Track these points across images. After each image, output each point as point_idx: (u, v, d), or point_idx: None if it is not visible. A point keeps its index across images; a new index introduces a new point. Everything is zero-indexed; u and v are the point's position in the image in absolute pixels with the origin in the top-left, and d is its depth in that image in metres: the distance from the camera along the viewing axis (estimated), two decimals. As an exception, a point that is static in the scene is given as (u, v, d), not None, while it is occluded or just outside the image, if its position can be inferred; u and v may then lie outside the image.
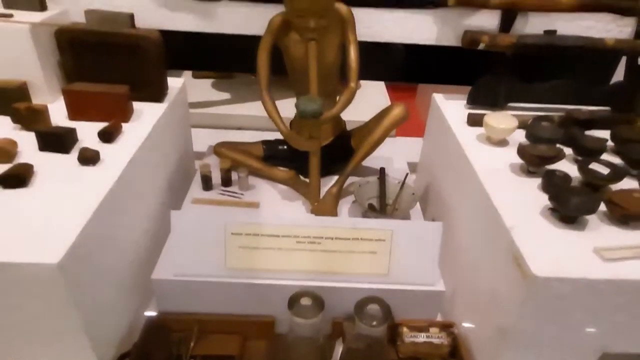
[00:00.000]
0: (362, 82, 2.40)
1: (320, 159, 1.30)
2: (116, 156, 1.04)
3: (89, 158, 0.99)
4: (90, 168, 1.00)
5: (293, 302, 0.91)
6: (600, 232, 0.91)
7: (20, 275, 0.76)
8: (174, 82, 1.43)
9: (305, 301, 0.90)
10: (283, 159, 1.45)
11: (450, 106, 1.44)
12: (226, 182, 1.39)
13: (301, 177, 1.40)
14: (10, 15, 1.16)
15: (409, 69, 2.08)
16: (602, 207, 0.94)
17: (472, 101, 1.42)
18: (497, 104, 1.41)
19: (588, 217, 0.94)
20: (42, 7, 1.23)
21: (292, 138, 1.24)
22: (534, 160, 1.06)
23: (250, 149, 1.45)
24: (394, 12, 1.41)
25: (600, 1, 1.33)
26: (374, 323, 0.90)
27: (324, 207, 1.27)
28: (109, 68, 1.24)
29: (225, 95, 2.41)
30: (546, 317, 0.86)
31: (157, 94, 1.31)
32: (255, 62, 1.27)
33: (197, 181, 1.40)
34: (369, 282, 1.08)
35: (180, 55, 1.52)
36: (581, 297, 0.83)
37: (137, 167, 1.08)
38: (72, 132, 1.06)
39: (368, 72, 1.78)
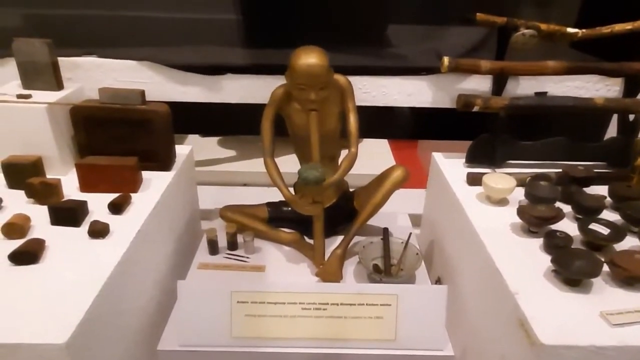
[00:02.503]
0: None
1: (323, 220, 1.32)
2: (125, 228, 1.07)
3: (98, 231, 1.02)
4: (99, 241, 1.02)
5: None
6: (605, 294, 0.91)
7: (29, 356, 0.77)
8: (182, 149, 1.49)
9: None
10: (288, 220, 1.47)
11: (449, 165, 1.48)
12: (232, 245, 1.40)
13: (306, 239, 1.42)
14: (29, 96, 1.23)
15: (410, 128, 2.15)
16: (606, 267, 0.95)
17: (471, 160, 1.46)
18: (494, 163, 1.45)
19: (592, 279, 0.94)
20: (59, 87, 1.32)
21: (295, 203, 1.27)
22: (533, 221, 1.08)
23: (255, 212, 1.48)
24: (390, 78, 1.49)
25: (586, 65, 1.40)
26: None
27: (329, 270, 1.27)
28: (121, 141, 1.30)
29: (231, 153, 2.49)
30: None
31: (165, 163, 1.36)
32: (257, 126, 1.33)
33: (203, 245, 1.42)
34: (377, 348, 1.07)
35: (188, 121, 1.59)
36: (591, 365, 0.82)
37: (146, 237, 1.10)
38: (83, 205, 1.10)
39: (371, 131, 1.86)
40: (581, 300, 0.90)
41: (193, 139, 2.59)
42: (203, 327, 1.06)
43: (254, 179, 2.25)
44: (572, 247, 1.00)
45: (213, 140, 2.60)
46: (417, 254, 1.31)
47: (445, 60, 1.37)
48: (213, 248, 1.39)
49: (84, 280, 0.90)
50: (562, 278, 0.94)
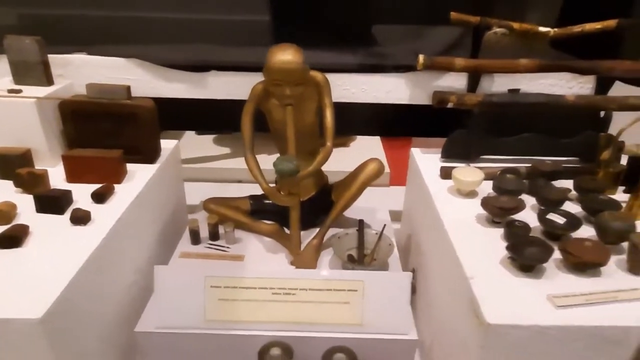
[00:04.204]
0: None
1: (300, 213, 1.37)
2: (106, 216, 1.13)
3: (79, 218, 1.08)
4: (81, 228, 1.08)
5: (263, 353, 0.95)
6: (555, 279, 0.96)
7: (4, 330, 0.82)
8: (168, 144, 1.55)
9: (275, 351, 0.94)
10: (269, 212, 1.52)
11: (426, 160, 1.52)
12: (214, 236, 1.46)
13: (285, 230, 1.47)
14: (20, 91, 1.30)
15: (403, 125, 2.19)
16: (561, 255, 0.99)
17: (446, 155, 1.51)
18: (469, 157, 1.49)
19: (546, 265, 0.99)
20: (49, 82, 1.38)
21: (272, 194, 1.32)
22: (495, 211, 1.12)
23: (238, 204, 1.54)
24: (370, 76, 1.54)
25: (557, 63, 1.44)
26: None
27: (304, 259, 1.33)
28: (107, 134, 1.36)
29: (226, 150, 2.54)
30: (506, 364, 0.88)
31: (149, 156, 1.42)
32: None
33: (187, 235, 1.48)
34: (344, 332, 1.12)
35: (177, 117, 1.65)
36: (535, 344, 0.86)
37: (126, 226, 1.16)
38: (67, 194, 1.16)
39: (363, 128, 1.90)
40: (532, 285, 0.94)
41: (189, 136, 2.66)
42: (178, 310, 1.11)
43: (249, 176, 2.30)
44: (531, 235, 1.04)
45: (209, 138, 2.66)
46: (389, 244, 1.35)
47: (421, 58, 1.41)
48: (195, 238, 1.44)
49: (63, 263, 0.96)
50: (517, 264, 0.98)
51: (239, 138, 2.64)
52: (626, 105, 1.39)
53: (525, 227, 1.07)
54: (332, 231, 1.43)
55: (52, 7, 1.59)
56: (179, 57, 1.51)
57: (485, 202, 1.13)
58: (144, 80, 1.52)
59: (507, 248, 0.98)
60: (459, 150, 1.50)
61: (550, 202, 1.17)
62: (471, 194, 1.29)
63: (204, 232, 1.46)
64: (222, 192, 1.96)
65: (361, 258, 1.35)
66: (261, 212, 1.53)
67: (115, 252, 1.11)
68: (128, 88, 1.35)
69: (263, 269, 1.31)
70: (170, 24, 1.56)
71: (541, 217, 1.08)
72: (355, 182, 1.37)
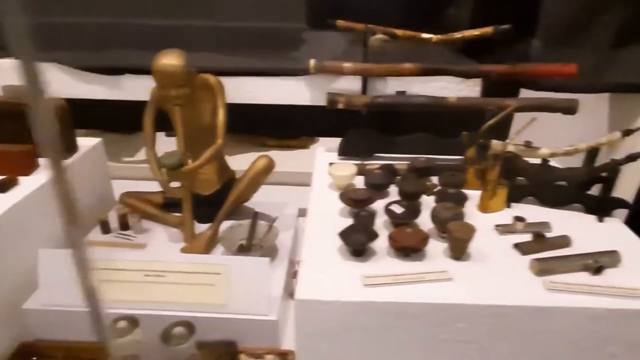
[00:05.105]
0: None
1: (206, 205, 1.49)
2: (3, 203, 1.26)
3: (-27, 204, 1.21)
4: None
5: (113, 325, 1.06)
6: (380, 263, 1.05)
7: None
8: (88, 141, 1.67)
9: (122, 324, 1.05)
10: (179, 206, 1.63)
11: (327, 158, 1.63)
12: (123, 226, 1.58)
13: (195, 223, 1.58)
14: (-61, 92, 1.44)
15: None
16: (392, 241, 1.09)
17: (343, 153, 1.61)
18: (364, 155, 1.59)
19: (377, 250, 1.08)
20: (-31, 84, 1.52)
21: (164, 186, 1.43)
22: (350, 203, 1.22)
23: (151, 198, 1.65)
24: (270, 79, 1.65)
25: (440, 67, 1.53)
26: (179, 343, 1.04)
27: (194, 248, 1.44)
28: (21, 132, 1.49)
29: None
30: (320, 337, 0.98)
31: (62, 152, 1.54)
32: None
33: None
34: (210, 312, 1.22)
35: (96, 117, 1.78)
36: (342, 318, 0.95)
37: (23, 213, 1.28)
38: (-31, 183, 1.29)
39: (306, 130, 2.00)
40: (357, 267, 1.04)
41: (159, 137, 2.78)
42: (62, 290, 1.22)
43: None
44: (360, 224, 1.13)
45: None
46: (277, 234, 1.46)
47: (312, 62, 1.52)
48: (104, 228, 1.56)
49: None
50: (350, 249, 1.08)
51: None
52: (503, 106, 1.48)
53: (369, 215, 1.16)
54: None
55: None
56: (96, 61, 1.64)
57: (342, 195, 1.23)
58: (64, 83, 1.65)
59: (339, 234, 1.07)
60: (354, 149, 1.60)
61: (407, 195, 1.26)
62: (348, 188, 1.39)
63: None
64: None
65: (249, 246, 1.46)
66: (173, 205, 1.65)
67: (11, 236, 1.24)
68: (40, 89, 1.48)
69: (145, 254, 1.42)
70: (88, 30, 1.69)
71: (385, 207, 1.18)
72: (245, 178, 1.48)
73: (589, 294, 0.95)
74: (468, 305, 0.93)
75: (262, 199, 1.67)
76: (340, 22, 1.49)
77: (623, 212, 1.81)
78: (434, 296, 0.95)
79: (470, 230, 1.04)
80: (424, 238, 1.05)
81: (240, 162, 1.85)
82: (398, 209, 1.15)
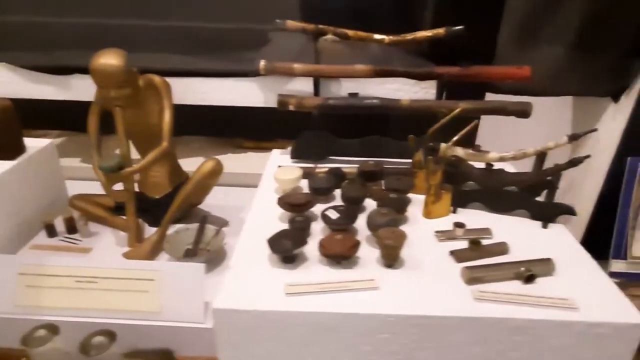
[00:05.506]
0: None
1: (156, 209, 1.46)
2: None
3: None
4: None
5: (32, 332, 1.03)
6: (310, 270, 1.02)
7: None
8: (38, 142, 1.64)
9: (41, 332, 1.02)
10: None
11: (279, 159, 1.60)
12: (69, 229, 1.54)
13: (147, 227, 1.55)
14: None
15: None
16: (324, 248, 1.05)
17: (295, 156, 1.58)
18: (316, 158, 1.56)
19: (310, 257, 1.05)
20: None
21: (106, 190, 1.40)
22: (286, 207, 1.19)
23: (102, 201, 1.62)
24: (223, 80, 1.62)
25: (392, 69, 1.50)
26: (98, 353, 1.01)
27: (137, 252, 1.40)
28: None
29: None
30: (242, 347, 0.95)
31: (8, 154, 1.51)
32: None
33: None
34: (144, 319, 1.19)
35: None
36: (262, 327, 0.92)
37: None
38: None
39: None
40: (287, 275, 1.00)
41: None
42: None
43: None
44: (290, 229, 1.10)
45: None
46: (223, 238, 1.42)
47: (262, 63, 1.49)
48: (50, 231, 1.53)
49: None
50: (279, 257, 1.05)
51: (179, 142, 2.74)
52: (455, 109, 1.45)
53: (305, 221, 1.13)
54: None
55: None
56: (45, 61, 1.61)
57: (280, 199, 1.20)
58: (13, 83, 1.61)
59: (267, 241, 1.04)
60: (306, 152, 1.57)
61: (349, 199, 1.24)
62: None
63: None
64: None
65: (195, 251, 1.42)
66: (123, 208, 1.61)
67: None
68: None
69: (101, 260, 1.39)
70: (37, 29, 1.66)
71: (322, 213, 1.14)
72: (191, 181, 1.45)
73: (515, 303, 0.92)
74: (390, 316, 0.90)
75: (225, 203, 1.64)
76: (290, 23, 1.46)
77: (584, 220, 1.80)
78: (356, 306, 0.91)
79: (401, 237, 1.01)
80: (354, 245, 1.01)
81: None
82: (334, 215, 1.12)
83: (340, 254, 1.00)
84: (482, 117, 1.76)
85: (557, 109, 1.93)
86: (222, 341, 0.95)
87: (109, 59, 1.29)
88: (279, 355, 0.96)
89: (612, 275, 1.59)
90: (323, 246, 1.02)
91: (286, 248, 1.01)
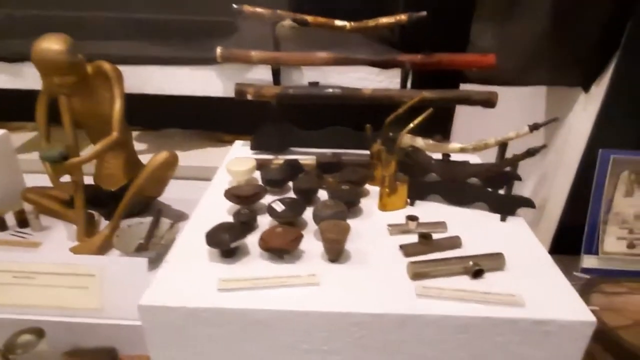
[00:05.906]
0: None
1: (112, 201, 1.40)
2: None
3: None
4: None
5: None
6: (251, 265, 0.97)
7: None
8: (-9, 134, 1.58)
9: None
10: (88, 202, 1.55)
11: (240, 151, 1.55)
12: (20, 223, 1.49)
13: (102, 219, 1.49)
14: None
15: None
16: (267, 242, 1.00)
17: (255, 147, 1.53)
18: (277, 149, 1.51)
19: (252, 251, 1.00)
20: None
21: (52, 181, 1.35)
22: (233, 200, 1.14)
23: (56, 193, 1.56)
24: (181, 68, 1.56)
25: (354, 57, 1.45)
26: (24, 352, 0.96)
27: (85, 247, 1.35)
28: None
29: (143, 147, 2.57)
30: (173, 346, 0.90)
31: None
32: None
33: None
34: (84, 317, 1.14)
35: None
36: (192, 325, 0.87)
37: None
38: None
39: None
40: (224, 270, 0.95)
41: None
42: None
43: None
44: (231, 222, 1.04)
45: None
46: (177, 232, 1.37)
47: (218, 50, 1.43)
48: (0, 225, 1.47)
49: None
50: (218, 251, 1.00)
51: (160, 136, 2.69)
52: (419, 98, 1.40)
53: (249, 214, 1.08)
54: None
55: None
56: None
57: (227, 191, 1.15)
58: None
59: (205, 234, 0.99)
60: (266, 142, 1.51)
61: (300, 191, 1.18)
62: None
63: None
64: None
65: (147, 245, 1.37)
66: (80, 201, 1.56)
67: None
68: None
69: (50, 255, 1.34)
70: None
71: (268, 205, 1.09)
72: (143, 172, 1.39)
73: (460, 300, 0.87)
74: (328, 313, 0.85)
75: (191, 196, 1.58)
76: (247, 8, 1.40)
77: (556, 214, 1.75)
78: (292, 302, 0.87)
79: (344, 230, 0.96)
80: (295, 239, 0.96)
81: (196, 158, 1.89)
82: (279, 207, 1.07)
83: (280, 248, 0.95)
84: (457, 109, 1.71)
85: (532, 99, 1.89)
86: (152, 340, 0.90)
87: (51, 44, 1.23)
88: (212, 354, 0.91)
89: (584, 271, 1.55)
90: (263, 239, 0.97)
91: (223, 241, 0.96)
